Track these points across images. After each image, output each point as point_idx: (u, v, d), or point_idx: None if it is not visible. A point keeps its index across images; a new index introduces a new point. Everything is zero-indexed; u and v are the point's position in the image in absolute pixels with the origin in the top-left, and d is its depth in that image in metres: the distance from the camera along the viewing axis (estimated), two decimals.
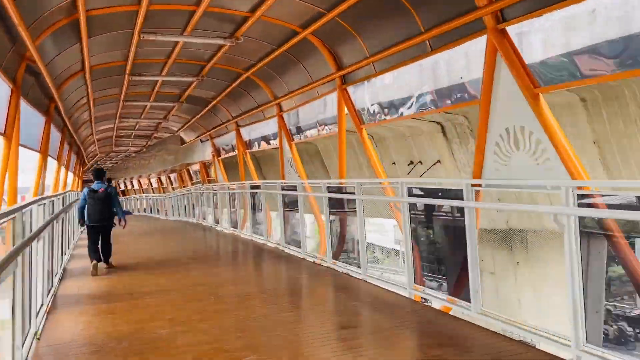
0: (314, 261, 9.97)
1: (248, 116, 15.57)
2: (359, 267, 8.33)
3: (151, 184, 45.16)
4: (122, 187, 61.97)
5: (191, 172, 30.91)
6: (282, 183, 12.26)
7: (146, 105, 18.02)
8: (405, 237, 7.02)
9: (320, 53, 9.44)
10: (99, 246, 9.61)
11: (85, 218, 9.42)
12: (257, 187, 14.29)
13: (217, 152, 21.05)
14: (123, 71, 12.88)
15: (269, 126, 15.14)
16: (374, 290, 7.22)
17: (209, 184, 23.93)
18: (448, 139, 12.05)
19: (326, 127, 13.95)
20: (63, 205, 10.37)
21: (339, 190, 9.20)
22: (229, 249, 13.29)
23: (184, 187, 32.48)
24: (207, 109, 17.33)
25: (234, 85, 13.97)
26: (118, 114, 19.17)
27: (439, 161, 12.63)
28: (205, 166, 25.68)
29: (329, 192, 9.45)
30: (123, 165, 48.01)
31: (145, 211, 36.74)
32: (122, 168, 50.60)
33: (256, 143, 17.04)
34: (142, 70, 13.09)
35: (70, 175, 22.33)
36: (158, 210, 33.17)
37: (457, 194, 5.72)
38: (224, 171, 20.80)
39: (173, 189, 35.79)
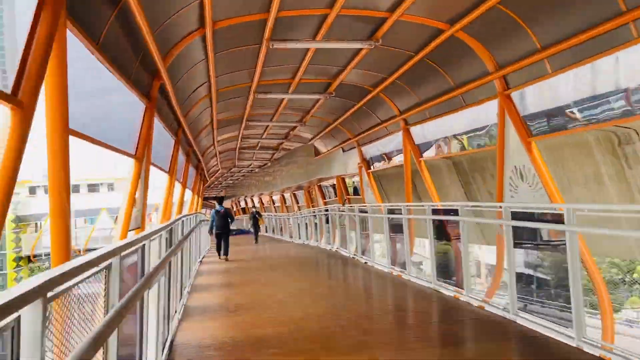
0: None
1: (429, 107, 10.69)
2: None
3: (273, 202, 41.97)
4: (242, 204, 60.20)
5: (323, 188, 26.62)
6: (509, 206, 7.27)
7: (282, 101, 13.79)
8: None
9: None
10: (222, 246, 15.48)
11: (214, 228, 15.52)
12: (449, 211, 9.44)
13: (366, 163, 16.37)
14: (260, 38, 8.61)
15: (468, 119, 10.13)
16: None
17: (349, 203, 19.42)
18: None
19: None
20: (171, 245, 6.45)
21: None
22: (413, 310, 8.41)
23: (313, 206, 28.43)
24: (364, 100, 12.58)
25: (417, 58, 9.21)
26: (246, 115, 15.18)
27: None
28: (344, 182, 21.20)
29: None
30: (245, 181, 45.54)
31: (266, 231, 33.63)
32: (243, 185, 48.33)
33: (441, 145, 12.09)
34: (287, 32, 8.65)
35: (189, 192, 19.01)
36: (281, 231, 29.96)
37: None
38: (375, 187, 16.05)
39: (299, 208, 31.99)
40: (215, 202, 16.08)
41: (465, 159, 14.37)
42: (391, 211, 12.40)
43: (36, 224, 41.38)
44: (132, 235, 6.35)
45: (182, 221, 9.52)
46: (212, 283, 11.34)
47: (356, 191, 20.38)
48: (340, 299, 9.22)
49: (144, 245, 4.55)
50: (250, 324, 7.30)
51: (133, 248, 3.89)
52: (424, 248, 15.49)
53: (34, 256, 39.82)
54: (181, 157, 13.87)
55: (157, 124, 9.35)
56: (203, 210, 42.15)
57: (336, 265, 14.64)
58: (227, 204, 51.27)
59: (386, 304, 9.02)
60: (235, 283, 11.30)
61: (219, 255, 15.50)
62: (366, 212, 14.24)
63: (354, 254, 15.53)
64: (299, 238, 24.60)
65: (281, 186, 31.14)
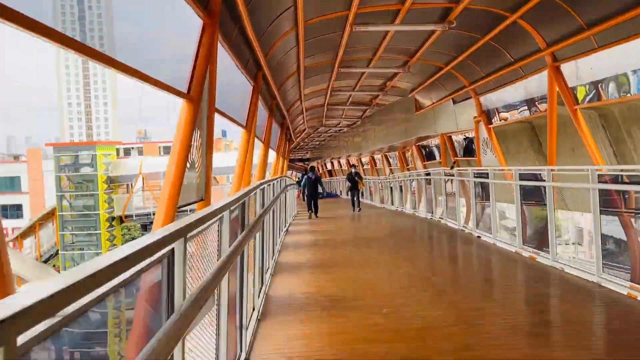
0: None
1: (598, 32, 7.62)
2: None
3: (362, 165, 39.55)
4: (329, 166, 58.44)
5: (422, 150, 23.72)
6: None
7: (384, 37, 11.04)
8: None
9: None
10: (312, 207, 18.00)
11: (306, 192, 18.42)
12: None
13: (485, 116, 13.36)
14: None
15: None
16: None
17: (458, 166, 16.57)
18: None
19: None
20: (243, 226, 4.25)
21: None
22: (585, 321, 5.54)
23: (407, 169, 25.70)
24: (495, 31, 9.52)
25: None
26: (338, 60, 12.62)
27: None
28: (451, 141, 18.22)
29: None
30: (332, 142, 43.37)
31: None
32: (329, 146, 46.24)
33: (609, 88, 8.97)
34: None
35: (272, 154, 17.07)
36: (371, 195, 27.79)
37: None
38: (498, 147, 13.07)
39: (391, 171, 29.35)
40: (307, 166, 17.42)
41: (618, 109, 11.27)
42: (522, 177, 9.85)
43: (127, 185, 41.76)
44: (191, 216, 4.20)
45: (263, 189, 7.32)
46: (299, 262, 9.45)
47: (466, 151, 17.44)
48: (468, 295, 6.69)
49: (172, 249, 2.23)
50: (353, 334, 5.17)
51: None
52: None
53: (126, 216, 40.23)
54: (262, 111, 11.69)
55: (228, 59, 7.09)
56: (289, 173, 40.58)
57: (444, 241, 12.39)
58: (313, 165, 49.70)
59: (539, 307, 6.37)
60: (327, 262, 9.37)
61: (310, 216, 17.84)
62: (486, 176, 11.56)
63: (464, 226, 13.15)
64: (392, 204, 22.35)
65: (372, 147, 28.55)
